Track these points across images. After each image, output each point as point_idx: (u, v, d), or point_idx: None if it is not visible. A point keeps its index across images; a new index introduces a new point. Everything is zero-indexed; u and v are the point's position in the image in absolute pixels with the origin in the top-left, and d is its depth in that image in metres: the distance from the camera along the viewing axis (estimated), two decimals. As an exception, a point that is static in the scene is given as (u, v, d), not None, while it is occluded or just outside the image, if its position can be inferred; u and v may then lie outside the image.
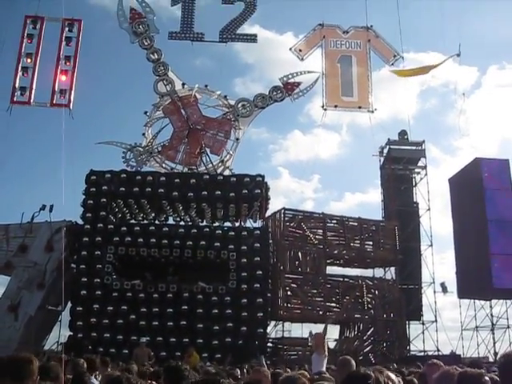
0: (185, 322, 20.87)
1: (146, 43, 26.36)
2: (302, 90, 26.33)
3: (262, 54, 61.82)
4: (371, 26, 29.00)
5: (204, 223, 23.80)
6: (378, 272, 27.72)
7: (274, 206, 25.38)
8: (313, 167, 42.59)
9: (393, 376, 3.73)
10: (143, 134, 25.51)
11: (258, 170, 25.87)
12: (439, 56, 51.43)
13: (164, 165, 25.08)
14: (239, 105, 25.65)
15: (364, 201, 61.24)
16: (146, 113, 25.84)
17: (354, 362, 6.75)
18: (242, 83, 65.40)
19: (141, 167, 24.64)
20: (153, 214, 24.20)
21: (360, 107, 27.97)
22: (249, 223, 23.86)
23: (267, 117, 24.71)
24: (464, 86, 37.98)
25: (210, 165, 25.06)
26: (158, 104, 25.88)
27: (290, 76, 26.32)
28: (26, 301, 21.78)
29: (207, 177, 23.20)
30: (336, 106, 27.89)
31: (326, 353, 10.04)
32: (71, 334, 21.15)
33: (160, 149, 25.37)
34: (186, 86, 25.91)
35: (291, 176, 72.05)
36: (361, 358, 23.93)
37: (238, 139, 25.40)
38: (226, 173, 24.20)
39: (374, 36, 28.75)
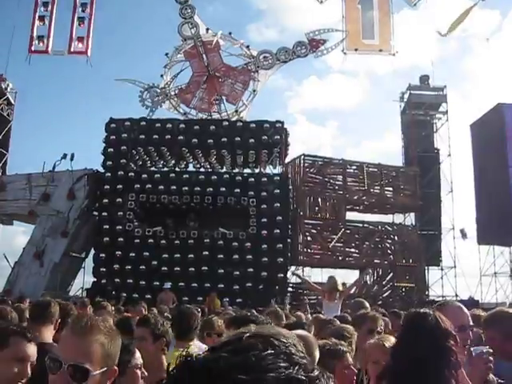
0: (206, 268, 21.09)
1: None
2: (326, 48, 25.82)
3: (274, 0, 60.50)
4: (394, -34, 28.11)
5: (224, 170, 23.81)
6: (398, 218, 27.70)
7: (292, 152, 25.31)
8: (330, 113, 42.02)
9: None
10: (161, 76, 25.43)
11: (275, 116, 25.77)
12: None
13: (179, 108, 25.12)
14: (261, 56, 25.19)
15: (382, 148, 60.77)
16: (166, 54, 25.66)
17: (367, 304, 6.81)
18: (255, 29, 64.52)
19: (156, 108, 24.75)
20: (173, 161, 24.25)
21: (381, 50, 27.38)
22: (268, 169, 23.92)
23: (285, 65, 24.25)
24: (484, 31, 36.92)
25: (225, 113, 24.94)
26: (181, 47, 25.67)
27: (317, 32, 25.64)
28: (50, 248, 22.17)
29: (227, 123, 23.09)
30: (356, 50, 27.26)
31: (338, 300, 10.17)
32: (95, 280, 21.56)
33: (177, 91, 25.34)
34: (210, 32, 25.55)
35: (308, 122, 71.43)
36: (380, 302, 24.20)
37: (255, 91, 25.13)
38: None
39: (397, -25, 27.89)
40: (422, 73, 32.95)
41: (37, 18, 26.94)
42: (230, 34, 25.83)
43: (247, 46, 25.69)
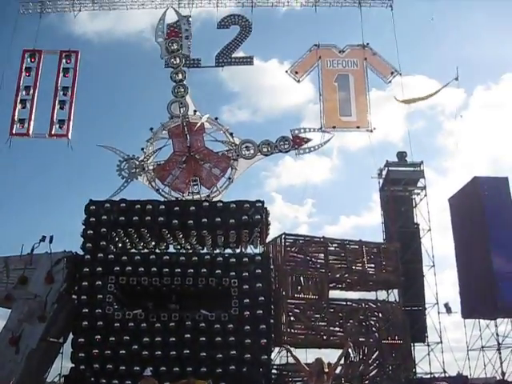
0: (188, 351, 20.60)
1: (175, 62, 26.65)
2: (309, 147, 26.09)
3: (247, 81, 62.19)
4: (367, 44, 29.15)
5: (205, 250, 23.70)
6: (381, 295, 27.55)
7: (270, 231, 25.24)
8: (306, 192, 42.58)
9: None
10: (142, 149, 25.78)
11: (252, 196, 26.17)
12: (423, 78, 52.05)
13: (153, 183, 25.35)
14: (243, 145, 25.62)
15: (359, 224, 61.27)
16: (151, 129, 26.02)
17: None
18: (228, 110, 65.84)
19: (131, 180, 25.13)
20: (153, 243, 24.11)
21: (359, 127, 28.01)
22: (249, 249, 23.82)
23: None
24: (451, 108, 38.18)
25: (198, 196, 25.12)
26: (166, 124, 26.10)
27: (302, 130, 26.13)
28: (27, 333, 21.57)
29: (207, 204, 23.14)
30: (334, 127, 27.84)
31: (326, 382, 9.90)
32: (73, 365, 20.91)
33: (155, 166, 25.57)
34: (197, 113, 26.07)
35: (284, 201, 72.00)
36: (367, 382, 23.75)
37: (230, 179, 25.38)
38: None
39: (371, 53, 28.88)
40: (393, 149, 33.86)
41: (18, 101, 27.34)
42: (216, 118, 26.32)
43: (231, 134, 26.04)
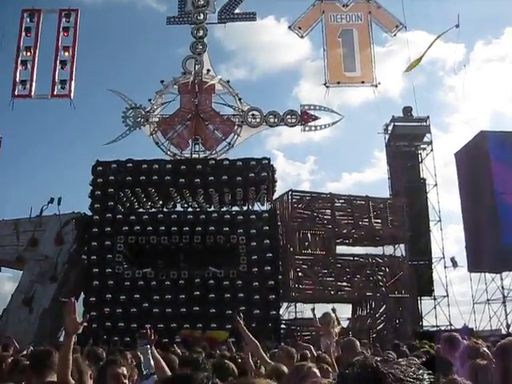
0: (197, 308, 20.88)
1: (199, 17, 26.40)
2: (315, 126, 25.63)
3: (244, 39, 61.24)
4: (372, -3, 28.47)
5: (212, 208, 23.76)
6: (388, 250, 27.69)
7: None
8: (307, 149, 42.28)
9: None
10: (149, 100, 25.76)
11: (253, 154, 25.78)
12: (423, 34, 51.38)
13: (155, 136, 25.29)
14: (250, 113, 25.30)
15: (362, 180, 61.19)
16: (162, 82, 25.90)
17: (358, 344, 6.72)
18: (225, 69, 65.12)
19: (134, 128, 25.17)
20: (160, 202, 24.19)
21: (363, 82, 27.60)
22: (257, 206, 23.90)
23: (256, 104, 24.48)
24: (451, 64, 37.63)
25: (196, 155, 25.01)
26: (177, 79, 25.94)
27: (312, 107, 25.73)
28: (39, 294, 21.93)
29: (213, 162, 23.14)
30: (339, 83, 27.47)
31: (335, 337, 10.05)
32: (85, 324, 21.17)
33: (159, 119, 25.50)
34: (210, 73, 25.89)
35: (286, 158, 71.67)
36: (374, 335, 24.07)
37: (230, 144, 25.14)
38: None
39: (376, 7, 28.15)
40: (393, 105, 33.47)
41: (19, 62, 27.04)
42: (227, 81, 26.06)
43: (240, 99, 25.69)
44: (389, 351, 9.62)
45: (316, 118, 25.50)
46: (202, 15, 26.45)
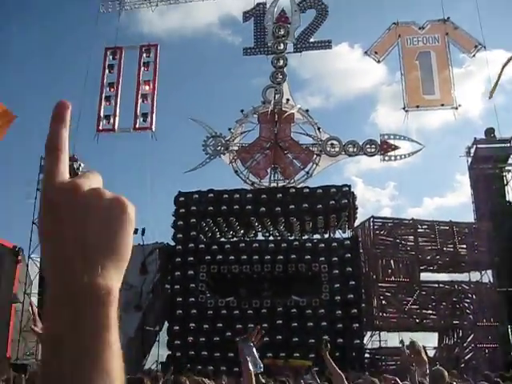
0: (280, 337, 20.77)
1: (279, 47, 26.97)
2: (396, 155, 25.44)
3: (318, 67, 61.30)
4: (448, 18, 27.99)
5: (293, 237, 23.77)
6: (474, 276, 26.73)
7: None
8: (386, 174, 41.49)
9: None
10: (229, 129, 26.16)
11: (331, 181, 25.30)
12: (501, 53, 49.95)
13: (234, 164, 25.62)
14: (329, 142, 25.28)
15: (443, 204, 59.52)
16: (242, 111, 26.31)
17: (446, 374, 6.47)
18: (300, 97, 65.22)
19: (214, 157, 25.62)
20: (242, 231, 24.44)
21: (443, 104, 27.08)
22: (338, 234, 23.73)
23: (333, 132, 24.38)
24: None
25: (274, 184, 25.03)
26: (257, 108, 26.33)
27: (392, 136, 25.54)
28: (124, 323, 21.92)
29: (293, 190, 23.21)
30: (418, 106, 27.07)
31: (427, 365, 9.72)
32: (169, 352, 21.53)
33: (239, 148, 25.77)
34: (290, 102, 26.15)
35: (365, 185, 70.79)
36: (463, 365, 23.20)
37: (308, 173, 25.09)
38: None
39: (453, 28, 27.64)
40: (473, 127, 32.53)
41: (103, 98, 28.09)
42: (306, 111, 26.17)
43: (318, 128, 25.70)
44: (481, 382, 9.29)
45: (396, 148, 25.20)
46: (282, 45, 26.85)
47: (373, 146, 25.01)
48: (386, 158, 25.23)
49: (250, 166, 25.45)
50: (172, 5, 33.31)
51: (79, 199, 0.65)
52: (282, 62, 26.49)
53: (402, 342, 12.52)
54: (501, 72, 27.56)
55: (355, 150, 25.11)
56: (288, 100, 25.99)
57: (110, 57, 28.88)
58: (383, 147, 25.03)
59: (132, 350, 22.45)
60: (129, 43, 29.74)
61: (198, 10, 67.78)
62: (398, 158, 25.38)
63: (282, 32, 26.92)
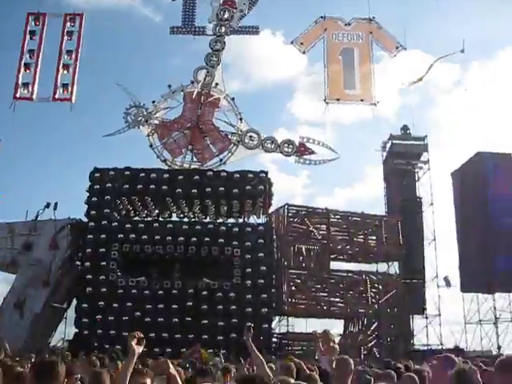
0: (190, 319, 20.88)
1: (220, 30, 26.59)
2: (310, 160, 25.36)
3: (240, 51, 61.46)
4: (373, 18, 28.69)
5: (208, 220, 23.80)
6: (382, 267, 27.72)
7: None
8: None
9: None
10: (153, 102, 25.74)
11: (245, 166, 25.32)
12: (418, 53, 51.80)
13: (151, 138, 25.23)
14: (248, 134, 25.18)
15: (354, 196, 61.48)
16: (169, 86, 25.95)
17: (351, 362, 6.71)
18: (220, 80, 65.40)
19: (133, 127, 25.09)
20: (157, 211, 24.23)
21: (362, 100, 27.74)
22: (252, 219, 23.94)
23: (250, 116, 24.52)
24: (445, 83, 37.92)
25: (187, 165, 24.85)
26: (186, 87, 25.96)
27: (311, 141, 25.48)
28: (31, 298, 21.80)
29: (211, 173, 23.18)
30: (338, 100, 27.59)
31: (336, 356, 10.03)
32: (77, 331, 21.19)
33: (159, 122, 25.49)
34: (218, 87, 25.89)
35: (279, 172, 71.70)
36: (365, 352, 24.07)
37: (222, 160, 24.90)
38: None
39: (377, 27, 28.40)
40: (387, 123, 33.51)
41: (22, 65, 27.02)
42: (232, 99, 26.01)
43: (240, 118, 25.59)
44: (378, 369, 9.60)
45: (312, 153, 25.21)
46: (223, 28, 26.55)
47: (290, 146, 25.05)
48: (301, 160, 25.31)
49: (166, 142, 25.11)
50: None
51: None
52: (219, 45, 26.24)
53: (315, 332, 12.87)
54: (427, 71, 28.69)
55: (272, 146, 25.14)
56: (217, 84, 25.82)
57: (33, 23, 27.77)
58: (300, 149, 25.09)
59: (38, 327, 21.97)
60: (55, 9, 28.66)
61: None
62: (313, 163, 25.43)
63: (226, 16, 26.67)
